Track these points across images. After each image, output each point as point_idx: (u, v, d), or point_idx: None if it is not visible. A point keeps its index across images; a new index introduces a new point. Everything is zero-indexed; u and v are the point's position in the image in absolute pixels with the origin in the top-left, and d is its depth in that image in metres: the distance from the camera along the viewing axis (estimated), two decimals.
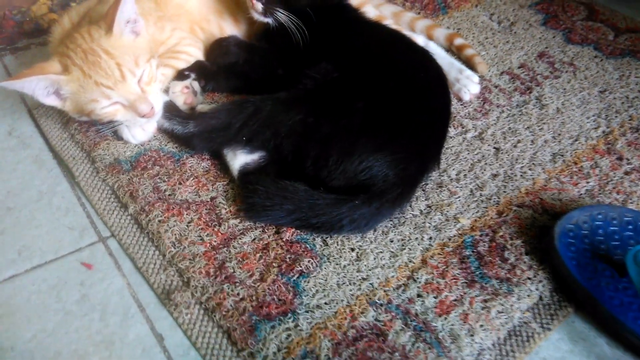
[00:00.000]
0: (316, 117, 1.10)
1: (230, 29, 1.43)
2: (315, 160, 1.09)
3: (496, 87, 1.45)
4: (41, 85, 1.12)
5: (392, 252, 1.04)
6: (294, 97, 1.14)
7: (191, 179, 1.16)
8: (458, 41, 1.54)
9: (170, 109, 1.24)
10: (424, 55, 1.26)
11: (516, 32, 1.66)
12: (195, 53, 1.36)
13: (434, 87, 1.20)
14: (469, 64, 1.49)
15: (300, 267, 1.00)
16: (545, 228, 1.09)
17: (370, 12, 1.48)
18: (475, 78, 1.42)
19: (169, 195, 1.13)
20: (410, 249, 1.05)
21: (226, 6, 1.44)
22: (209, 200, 1.12)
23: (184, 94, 1.27)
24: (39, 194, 1.17)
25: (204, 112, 1.23)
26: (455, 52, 1.54)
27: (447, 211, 1.12)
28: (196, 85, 1.31)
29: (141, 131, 1.23)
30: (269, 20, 1.30)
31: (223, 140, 1.17)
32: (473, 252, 1.05)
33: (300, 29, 1.24)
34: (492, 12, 1.75)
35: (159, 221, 1.08)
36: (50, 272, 1.02)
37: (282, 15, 1.26)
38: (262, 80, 1.30)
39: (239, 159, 1.16)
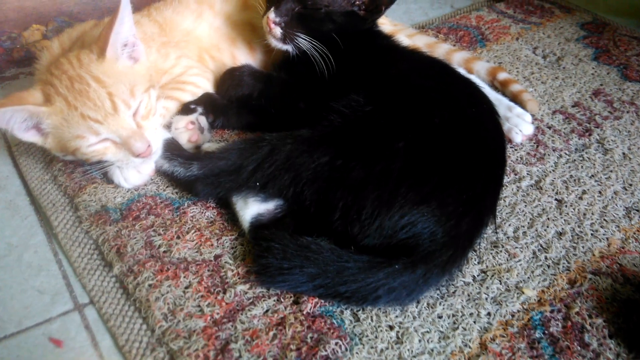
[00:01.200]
0: (346, 160, 0.90)
1: (244, 57, 1.25)
2: (344, 212, 0.89)
3: (549, 127, 1.25)
4: (18, 117, 0.93)
5: (442, 332, 0.82)
6: (319, 135, 0.95)
7: (192, 231, 0.96)
8: (502, 75, 1.35)
9: (172, 148, 1.05)
10: (472, 88, 1.06)
11: (565, 67, 1.47)
12: (203, 84, 1.18)
13: (485, 124, 1.00)
14: (516, 101, 1.29)
15: (326, 350, 0.78)
16: (631, 302, 0.87)
17: (403, 42, 1.29)
18: (528, 117, 1.22)
19: (164, 252, 0.92)
20: (464, 329, 0.83)
21: (240, 32, 1.26)
22: (212, 259, 0.91)
23: (188, 131, 1.08)
24: (7, 247, 0.97)
25: (210, 151, 1.03)
26: (499, 87, 1.35)
27: (507, 278, 0.91)
28: (203, 121, 1.12)
29: (135, 173, 1.04)
30: (288, 47, 1.12)
31: (232, 185, 0.97)
32: (544, 333, 0.83)
33: (325, 56, 1.06)
34: (535, 46, 1.56)
35: (150, 285, 0.86)
36: (9, 350, 0.81)
37: (304, 42, 1.08)
38: (280, 115, 1.11)
39: (251, 208, 0.96)
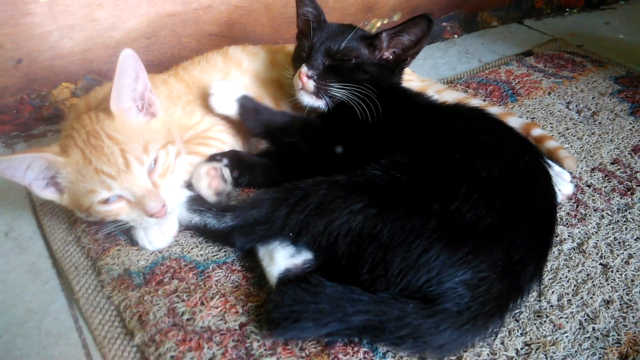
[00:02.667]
0: (380, 210, 0.87)
1: None
2: (372, 267, 0.84)
3: (589, 186, 1.20)
4: (36, 167, 0.92)
5: None
6: (355, 182, 0.91)
7: (217, 297, 0.92)
8: (537, 132, 1.31)
9: (200, 201, 1.03)
10: (523, 140, 1.02)
11: (601, 122, 1.43)
12: (228, 140, 1.16)
13: (537, 182, 0.95)
14: (552, 159, 1.25)
15: None
16: None
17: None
18: (567, 175, 1.17)
19: (187, 320, 0.88)
20: None
21: (267, 90, 1.26)
22: (237, 328, 0.87)
23: (209, 177, 1.06)
24: (27, 313, 0.93)
25: (243, 201, 1.01)
26: (534, 144, 1.30)
27: (554, 353, 0.84)
28: (227, 173, 1.10)
29: (160, 235, 1.01)
30: (320, 103, 1.11)
31: (267, 233, 0.94)
32: None
33: (361, 105, 1.04)
34: (568, 100, 1.52)
35: (172, 357, 0.82)
36: None
37: (339, 90, 1.08)
38: (312, 158, 1.08)
39: (279, 264, 0.92)
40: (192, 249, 1.02)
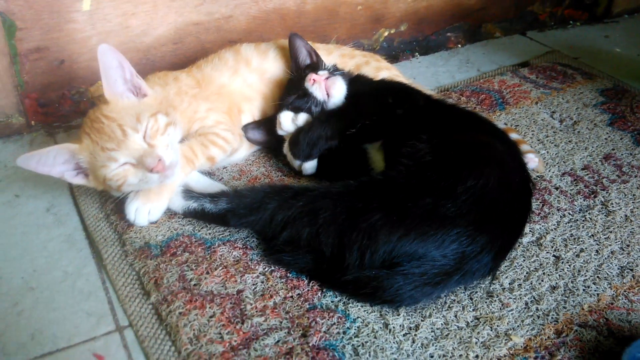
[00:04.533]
0: (366, 203, 1.03)
1: (270, 112, 1.42)
2: (361, 252, 1.00)
3: (557, 188, 1.34)
4: (60, 157, 1.13)
5: None
6: (346, 191, 1.08)
7: (220, 268, 1.09)
8: (512, 136, 1.45)
9: (195, 191, 1.22)
10: (516, 152, 1.19)
11: (580, 131, 1.56)
12: (231, 139, 1.34)
13: (518, 194, 1.11)
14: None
15: None
16: (612, 354, 0.95)
17: None
18: None
19: (194, 285, 1.06)
20: None
21: (271, 89, 1.43)
22: (235, 293, 1.05)
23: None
24: (64, 274, 1.12)
25: (238, 190, 1.18)
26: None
27: (498, 326, 1.00)
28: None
29: (145, 214, 1.19)
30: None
31: (257, 221, 1.11)
32: None
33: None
34: (553, 110, 1.66)
35: (180, 313, 1.00)
36: None
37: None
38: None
39: None
40: (202, 228, 1.20)
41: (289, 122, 1.29)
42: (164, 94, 1.29)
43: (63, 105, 1.60)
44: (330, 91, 1.28)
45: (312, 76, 1.29)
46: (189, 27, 1.65)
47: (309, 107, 1.29)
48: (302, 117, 1.29)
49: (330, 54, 1.51)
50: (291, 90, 1.35)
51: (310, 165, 1.31)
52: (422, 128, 1.17)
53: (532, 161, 1.36)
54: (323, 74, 1.31)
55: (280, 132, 1.32)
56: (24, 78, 1.51)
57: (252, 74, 1.43)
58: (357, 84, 1.35)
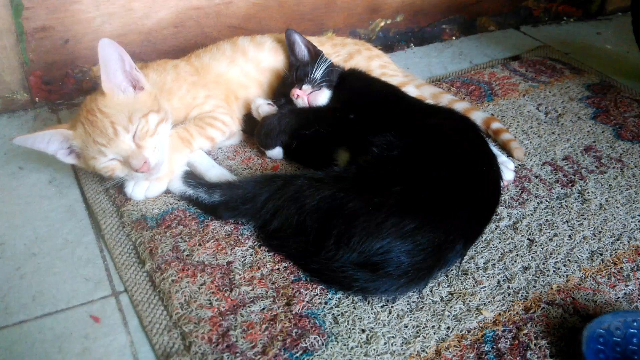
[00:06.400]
0: (347, 193, 1.09)
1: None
2: (338, 237, 1.06)
3: (537, 177, 1.40)
4: (55, 140, 1.19)
5: (405, 338, 0.99)
6: (331, 177, 1.13)
7: (211, 241, 1.16)
8: (495, 125, 1.52)
9: (194, 177, 1.27)
10: (485, 147, 1.24)
11: (563, 124, 1.62)
12: (229, 122, 1.40)
13: (486, 183, 1.17)
14: (505, 149, 1.47)
15: (305, 343, 0.96)
16: (575, 330, 1.01)
17: (412, 91, 1.49)
18: (511, 165, 1.38)
19: (187, 255, 1.13)
20: (424, 337, 0.99)
21: (267, 78, 1.49)
22: (225, 264, 1.11)
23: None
24: (64, 242, 1.19)
25: (231, 181, 1.24)
26: (492, 136, 1.52)
27: (470, 301, 1.06)
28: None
29: (142, 191, 1.25)
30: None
31: (248, 211, 1.17)
32: (493, 348, 0.98)
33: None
34: (539, 103, 1.72)
35: (172, 281, 1.07)
36: (58, 322, 1.02)
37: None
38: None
39: None
40: None
41: (255, 111, 1.40)
42: (161, 80, 1.35)
43: (66, 84, 1.65)
44: (313, 103, 1.36)
45: (295, 92, 1.35)
46: (189, 12, 1.71)
47: None
48: (264, 108, 1.38)
49: (322, 46, 1.57)
50: (285, 88, 1.41)
51: (272, 153, 1.40)
52: (389, 130, 1.22)
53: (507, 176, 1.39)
54: (307, 89, 1.36)
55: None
56: (29, 56, 1.56)
57: (249, 64, 1.48)
58: (348, 81, 1.42)
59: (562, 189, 1.37)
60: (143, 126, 1.18)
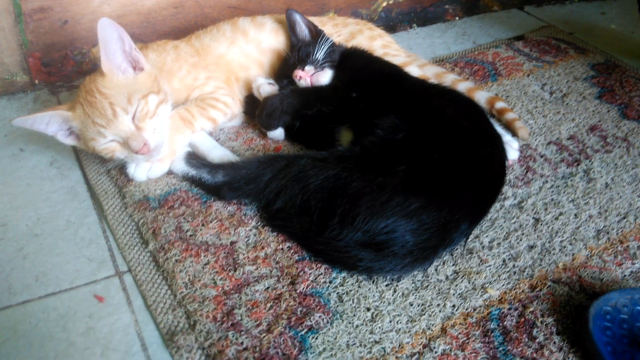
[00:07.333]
0: (351, 172, 1.08)
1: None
2: (342, 216, 1.05)
3: (542, 156, 1.39)
4: (54, 121, 1.18)
5: (410, 316, 0.98)
6: (335, 157, 1.12)
7: (214, 221, 1.15)
8: (499, 105, 1.50)
9: (196, 158, 1.26)
10: (490, 128, 1.22)
11: (568, 103, 1.61)
12: (231, 103, 1.38)
13: (491, 164, 1.15)
14: (510, 128, 1.45)
15: (311, 321, 0.96)
16: (581, 308, 1.00)
17: (414, 71, 1.47)
18: (515, 144, 1.37)
19: (190, 235, 1.12)
20: (430, 315, 0.99)
21: (268, 58, 1.47)
22: (228, 244, 1.10)
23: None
24: (66, 223, 1.18)
25: (234, 161, 1.23)
26: (496, 115, 1.50)
27: (475, 279, 1.06)
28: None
29: (144, 172, 1.24)
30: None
31: (252, 191, 1.15)
32: (498, 325, 0.98)
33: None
34: (544, 83, 1.70)
35: (176, 260, 1.06)
36: (62, 301, 1.02)
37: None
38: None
39: None
40: None
41: (256, 90, 1.38)
42: (161, 61, 1.33)
43: (66, 65, 1.64)
44: (315, 84, 1.34)
45: (298, 73, 1.34)
46: None
47: None
48: (265, 88, 1.37)
49: (323, 26, 1.55)
50: (287, 69, 1.40)
51: (274, 134, 1.38)
52: (392, 110, 1.20)
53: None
54: (309, 70, 1.35)
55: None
56: (28, 37, 1.55)
57: (249, 45, 1.47)
58: (350, 59, 1.40)
59: (567, 168, 1.36)
60: (142, 107, 1.17)
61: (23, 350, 0.93)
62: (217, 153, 1.29)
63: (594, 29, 2.13)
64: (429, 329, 0.96)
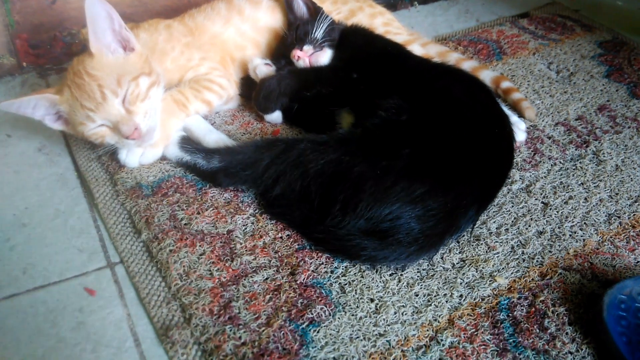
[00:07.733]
0: (352, 156, 1.03)
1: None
2: (344, 203, 1.00)
3: (549, 138, 1.34)
4: (41, 105, 1.13)
5: (416, 307, 0.94)
6: (335, 140, 1.07)
7: (210, 209, 1.10)
8: (505, 84, 1.45)
9: (191, 142, 1.21)
10: (495, 113, 1.16)
11: (576, 82, 1.55)
12: (226, 85, 1.32)
13: (499, 146, 1.10)
14: (516, 108, 1.40)
15: (312, 314, 0.91)
16: (594, 296, 0.96)
17: (417, 50, 1.41)
18: (522, 125, 1.32)
19: (185, 224, 1.07)
20: (436, 306, 0.94)
21: (265, 37, 1.41)
22: (225, 233, 1.06)
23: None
24: (56, 212, 1.13)
25: (230, 146, 1.18)
26: (502, 95, 1.45)
27: (483, 268, 1.01)
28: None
29: (135, 158, 1.19)
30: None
31: (249, 177, 1.10)
32: (508, 316, 0.93)
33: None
34: (550, 61, 1.65)
35: (170, 250, 1.01)
36: (51, 295, 0.97)
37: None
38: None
39: None
40: None
41: (253, 71, 1.32)
42: (153, 41, 1.27)
43: (54, 47, 1.57)
44: (314, 64, 1.28)
45: (296, 53, 1.28)
46: None
47: None
48: (262, 69, 1.31)
49: (322, 3, 1.48)
50: (285, 49, 1.34)
51: (272, 117, 1.33)
52: (395, 91, 1.15)
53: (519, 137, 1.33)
54: (308, 49, 1.28)
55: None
56: (14, 17, 1.48)
57: (245, 23, 1.40)
58: (350, 38, 1.34)
59: (576, 150, 1.31)
60: (133, 90, 1.11)
61: (10, 346, 0.89)
62: (213, 137, 1.24)
63: (600, 5, 2.06)
64: (435, 320, 0.92)
